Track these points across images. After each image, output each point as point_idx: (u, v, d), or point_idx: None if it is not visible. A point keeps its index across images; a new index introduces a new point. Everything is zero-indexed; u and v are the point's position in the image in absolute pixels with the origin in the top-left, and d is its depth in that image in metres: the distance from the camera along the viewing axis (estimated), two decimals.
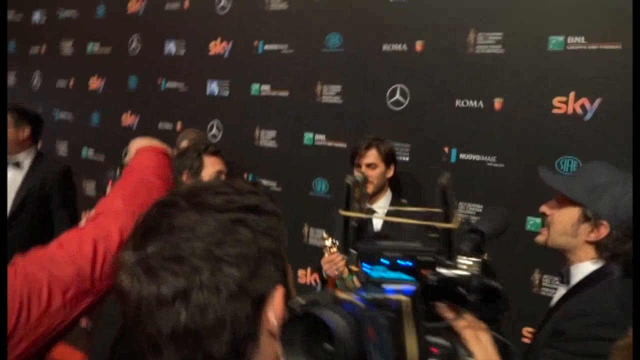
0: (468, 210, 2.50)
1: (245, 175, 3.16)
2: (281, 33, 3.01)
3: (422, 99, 2.60)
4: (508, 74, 2.38)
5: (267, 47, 3.06)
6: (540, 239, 1.41)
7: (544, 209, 1.41)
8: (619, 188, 1.26)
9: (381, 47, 2.69)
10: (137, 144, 1.22)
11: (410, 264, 0.81)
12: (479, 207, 2.48)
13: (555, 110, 2.29)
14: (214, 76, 3.24)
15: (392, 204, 2.39)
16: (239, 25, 3.16)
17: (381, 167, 2.33)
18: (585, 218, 1.29)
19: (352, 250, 0.86)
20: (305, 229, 2.97)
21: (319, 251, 2.81)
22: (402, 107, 2.65)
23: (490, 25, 2.41)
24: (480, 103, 2.45)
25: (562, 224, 1.33)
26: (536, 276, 2.36)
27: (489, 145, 2.44)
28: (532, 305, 2.36)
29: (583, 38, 2.22)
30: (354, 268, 0.82)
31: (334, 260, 2.26)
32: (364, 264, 0.83)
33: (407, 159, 2.63)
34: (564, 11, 2.26)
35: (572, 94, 2.26)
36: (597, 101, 2.21)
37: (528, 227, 2.36)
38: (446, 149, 2.54)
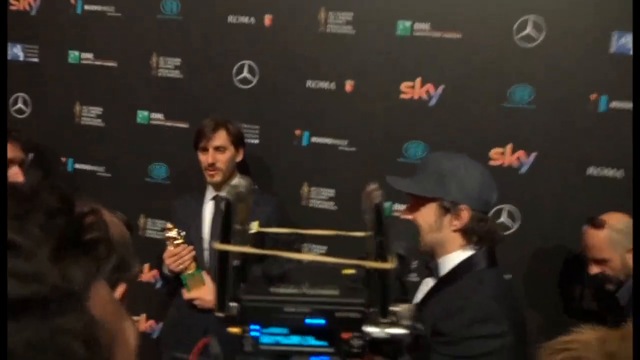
0: (320, 196, 2.47)
1: (63, 160, 2.71)
2: None
3: (271, 77, 2.47)
4: (358, 55, 2.38)
5: (87, 7, 2.62)
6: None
7: (404, 213, 1.40)
8: (462, 170, 1.32)
9: (226, 19, 2.48)
10: None
11: (323, 322, 0.59)
12: (331, 192, 2.46)
13: (402, 96, 2.35)
14: (17, 39, 2.69)
15: None
16: None
17: (231, 150, 2.16)
18: (444, 209, 1.32)
19: (232, 304, 0.61)
20: (142, 219, 2.67)
21: (158, 244, 2.57)
22: (250, 86, 2.49)
23: (342, 4, 2.37)
24: (332, 84, 2.41)
25: (425, 223, 1.34)
26: None
27: (341, 129, 2.42)
28: None
29: (429, 25, 2.30)
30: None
31: (179, 254, 2.05)
32: (250, 325, 0.60)
33: (257, 141, 2.50)
34: None
35: (418, 80, 2.34)
36: (441, 87, 2.32)
37: None
38: (297, 132, 2.46)
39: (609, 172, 2.20)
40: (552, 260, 2.26)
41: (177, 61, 2.55)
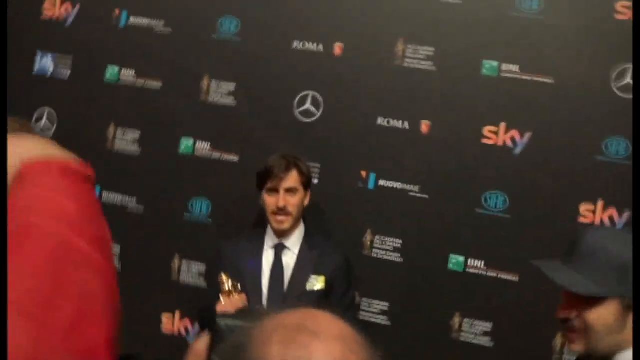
0: (385, 246, 2.25)
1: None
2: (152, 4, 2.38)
3: (338, 111, 2.27)
4: (437, 93, 2.21)
5: (133, 19, 2.39)
6: (577, 348, 1.18)
7: (564, 313, 1.17)
8: None
9: (291, 44, 2.29)
10: (20, 150, 0.64)
11: None
12: (397, 242, 2.24)
13: (485, 140, 2.18)
14: (48, 48, 2.43)
15: (305, 239, 2.00)
16: None
17: (301, 193, 1.93)
18: (628, 308, 1.11)
19: None
20: (176, 261, 2.38)
21: (192, 290, 2.31)
22: (313, 119, 2.28)
23: (422, 36, 2.21)
24: (406, 124, 2.22)
25: (603, 325, 1.12)
26: (456, 320, 2.21)
27: (412, 173, 2.23)
28: (451, 352, 2.23)
29: (518, 67, 2.15)
30: None
31: (236, 308, 1.78)
32: None
33: (316, 181, 2.28)
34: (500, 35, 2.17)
35: (502, 125, 2.17)
36: (528, 135, 2.16)
37: (450, 266, 2.21)
38: (364, 173, 2.25)
39: None
40: None
41: (232, 86, 2.33)
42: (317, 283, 1.93)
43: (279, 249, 1.96)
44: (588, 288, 1.12)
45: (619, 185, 2.10)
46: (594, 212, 2.12)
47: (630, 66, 2.07)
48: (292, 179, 1.90)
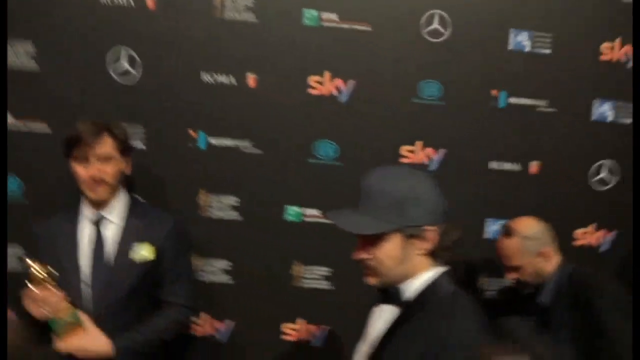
0: (221, 204, 2.25)
1: None
2: None
3: (158, 70, 2.16)
4: (261, 46, 2.19)
5: None
6: (373, 282, 1.30)
7: (360, 255, 1.28)
8: (417, 189, 1.23)
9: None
10: None
11: None
12: (234, 200, 2.26)
13: (311, 90, 2.24)
14: None
15: (130, 208, 1.91)
16: None
17: (117, 160, 1.83)
18: (409, 237, 1.23)
19: None
20: None
21: (12, 278, 2.14)
22: (132, 79, 2.15)
23: None
24: (232, 79, 2.19)
25: (391, 258, 1.25)
26: (297, 269, 2.32)
27: (243, 128, 2.23)
28: (294, 299, 2.34)
29: (337, 15, 2.21)
30: None
31: (45, 300, 1.68)
32: None
33: (145, 147, 2.18)
34: None
35: (327, 74, 2.24)
36: (351, 83, 2.25)
37: (287, 217, 2.29)
38: (193, 133, 2.20)
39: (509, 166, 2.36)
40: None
41: (29, 46, 2.10)
42: (143, 252, 1.86)
43: (98, 222, 1.86)
44: (367, 227, 1.22)
45: (434, 125, 2.30)
46: (413, 152, 2.31)
47: (437, 12, 2.23)
48: (105, 145, 1.78)
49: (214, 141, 2.22)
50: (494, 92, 2.30)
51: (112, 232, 1.86)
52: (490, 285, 2.42)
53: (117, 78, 2.15)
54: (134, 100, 2.16)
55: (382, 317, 1.33)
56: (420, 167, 2.30)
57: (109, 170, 1.79)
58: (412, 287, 1.27)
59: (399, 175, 1.25)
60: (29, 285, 1.65)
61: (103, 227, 1.85)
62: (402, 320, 1.26)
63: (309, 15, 2.20)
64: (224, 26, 2.17)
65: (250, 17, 2.18)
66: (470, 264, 2.41)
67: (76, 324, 1.72)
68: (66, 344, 1.71)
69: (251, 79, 2.21)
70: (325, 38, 2.21)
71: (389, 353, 1.25)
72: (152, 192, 2.19)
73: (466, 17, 2.24)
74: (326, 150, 2.27)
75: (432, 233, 1.23)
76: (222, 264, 2.30)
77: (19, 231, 2.15)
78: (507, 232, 2.06)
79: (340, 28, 2.21)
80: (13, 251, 2.19)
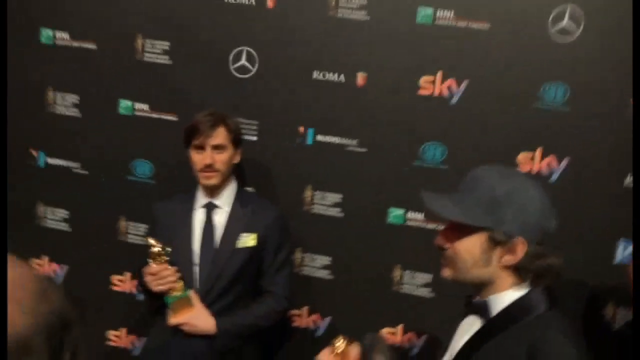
0: (325, 201, 2.30)
1: (33, 154, 2.49)
2: None
3: (273, 66, 2.28)
4: (372, 44, 2.20)
5: None
6: (447, 274, 1.24)
7: (440, 241, 1.23)
8: (521, 195, 1.13)
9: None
10: None
11: None
12: (337, 197, 2.29)
13: (421, 91, 2.18)
14: None
15: (237, 196, 2.05)
16: None
17: (230, 150, 1.97)
18: (494, 242, 1.15)
19: None
20: (122, 223, 2.47)
21: (140, 250, 2.39)
22: (248, 75, 2.29)
23: None
24: (342, 77, 2.23)
25: (469, 255, 1.17)
26: (397, 273, 2.28)
27: (350, 127, 2.25)
28: (392, 304, 2.30)
29: (452, 12, 2.12)
30: None
31: (159, 274, 1.85)
32: None
33: (255, 138, 2.31)
34: None
35: (439, 74, 2.17)
36: (464, 83, 2.15)
37: (390, 219, 2.25)
38: (301, 129, 2.28)
39: None
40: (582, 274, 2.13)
41: (166, 45, 2.34)
42: (248, 240, 1.98)
43: (210, 208, 2.01)
44: (453, 213, 1.16)
45: (557, 132, 2.11)
46: (532, 159, 2.14)
47: (567, 7, 2.03)
48: (219, 136, 1.93)
49: (321, 138, 2.28)
50: (630, 100, 2.04)
51: (220, 217, 2.00)
52: (619, 317, 2.14)
53: (236, 73, 2.30)
54: (250, 94, 2.30)
55: (468, 330, 1.26)
56: (538, 177, 2.12)
57: (221, 159, 1.93)
58: (501, 301, 1.18)
59: (505, 175, 1.17)
60: (149, 261, 1.86)
61: (214, 212, 2.00)
62: (487, 335, 1.18)
63: (424, 13, 2.15)
64: (337, 24, 2.21)
65: (362, 15, 2.19)
66: (599, 291, 2.16)
67: (187, 301, 1.89)
68: (177, 318, 1.89)
69: (361, 78, 2.22)
70: (440, 37, 2.14)
71: None
72: (259, 183, 2.31)
73: (601, 12, 2.02)
74: (433, 152, 2.20)
75: (520, 247, 1.13)
76: (323, 259, 2.34)
77: (147, 210, 2.41)
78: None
79: (456, 27, 2.13)
80: (144, 229, 2.45)
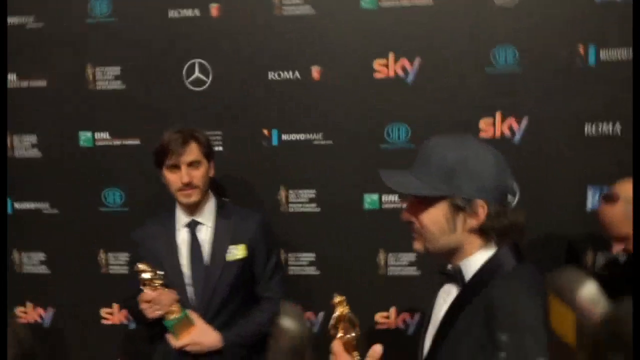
0: (300, 198, 2.31)
1: None
2: None
3: (227, 74, 2.28)
4: (322, 38, 2.22)
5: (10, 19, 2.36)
6: (417, 247, 1.27)
7: (406, 216, 1.26)
8: (473, 159, 1.17)
9: (166, 13, 2.28)
10: None
11: None
12: (311, 193, 2.31)
13: (377, 75, 2.22)
14: None
15: (218, 210, 2.02)
16: None
17: (204, 164, 1.93)
18: (456, 208, 1.18)
19: None
20: (102, 255, 2.44)
21: (124, 279, 2.36)
22: (204, 87, 2.30)
23: None
24: (297, 73, 2.25)
25: (434, 225, 1.20)
26: (381, 257, 2.30)
27: (313, 122, 2.27)
28: (381, 288, 2.32)
29: None
30: None
31: (155, 300, 1.82)
32: None
33: (221, 149, 2.31)
34: None
35: (391, 55, 2.20)
36: (417, 61, 2.19)
37: (366, 205, 2.28)
38: (266, 132, 2.29)
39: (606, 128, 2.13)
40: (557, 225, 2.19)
41: (117, 70, 2.33)
42: (237, 252, 1.96)
43: (193, 226, 1.98)
44: (413, 189, 1.19)
45: (511, 94, 2.16)
46: (493, 124, 2.19)
47: None
48: (192, 152, 1.89)
49: (286, 137, 2.29)
50: (580, 48, 2.11)
51: (205, 234, 1.97)
52: (597, 261, 2.21)
53: (192, 87, 2.31)
54: (209, 105, 2.30)
55: (446, 299, 1.29)
56: (503, 140, 2.18)
57: (198, 175, 1.90)
58: (471, 266, 1.21)
59: (456, 144, 1.20)
60: (143, 288, 1.81)
61: (197, 230, 1.97)
62: (463, 302, 1.21)
63: None
64: (284, 22, 2.23)
65: (308, 9, 2.22)
66: (573, 239, 2.22)
67: (187, 321, 1.86)
68: (181, 340, 1.85)
69: (315, 71, 2.25)
70: (386, 19, 2.18)
71: (452, 335, 1.21)
72: (234, 192, 2.31)
73: None
74: (397, 133, 2.24)
75: (481, 209, 1.16)
76: (308, 256, 2.35)
77: (125, 239, 2.38)
78: (611, 198, 1.86)
79: (401, 6, 2.17)
80: (124, 258, 2.43)
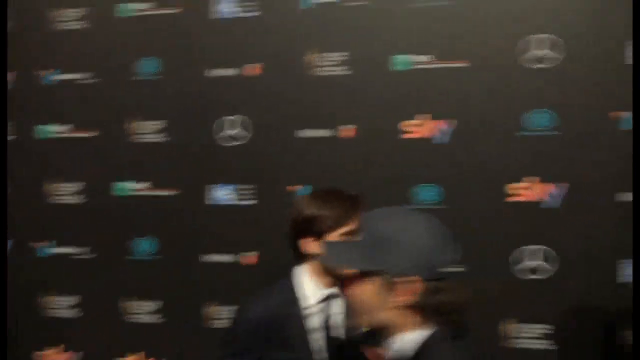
0: None
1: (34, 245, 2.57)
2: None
3: (263, 130, 2.38)
4: (356, 97, 2.29)
5: (59, 77, 2.56)
6: (354, 323, 1.25)
7: (342, 289, 1.24)
8: (406, 233, 1.09)
9: (204, 72, 2.43)
10: None
11: None
12: None
13: (406, 135, 2.25)
14: None
15: None
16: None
17: None
18: (387, 283, 1.10)
19: None
20: (131, 303, 2.49)
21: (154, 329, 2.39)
22: (241, 142, 2.39)
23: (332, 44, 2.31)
24: (327, 131, 2.31)
25: (365, 301, 1.14)
26: None
27: (342, 178, 2.29)
28: None
29: (431, 57, 2.23)
30: None
31: None
32: None
33: (256, 201, 2.38)
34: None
35: (427, 116, 2.24)
36: (452, 122, 2.22)
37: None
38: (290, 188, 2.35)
39: None
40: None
41: (160, 124, 2.46)
42: None
43: (330, 299, 1.63)
44: (337, 260, 1.15)
45: (549, 158, 2.14)
46: (530, 189, 2.16)
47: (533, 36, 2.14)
48: (355, 221, 1.49)
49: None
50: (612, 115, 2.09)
51: (337, 307, 1.65)
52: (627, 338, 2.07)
53: (222, 143, 2.42)
54: (245, 161, 2.41)
55: None
56: (539, 204, 2.14)
57: None
58: (408, 343, 1.13)
59: (389, 215, 1.15)
60: None
61: (333, 303, 1.65)
62: None
63: (401, 60, 2.25)
64: (316, 82, 2.33)
65: (344, 70, 2.30)
66: (604, 313, 2.11)
67: None
68: None
69: (346, 131, 2.30)
70: (419, 80, 2.23)
71: None
72: None
73: (573, 36, 2.10)
74: (429, 195, 2.23)
75: (409, 285, 1.09)
76: None
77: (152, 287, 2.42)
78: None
79: (435, 68, 2.22)
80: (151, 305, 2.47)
